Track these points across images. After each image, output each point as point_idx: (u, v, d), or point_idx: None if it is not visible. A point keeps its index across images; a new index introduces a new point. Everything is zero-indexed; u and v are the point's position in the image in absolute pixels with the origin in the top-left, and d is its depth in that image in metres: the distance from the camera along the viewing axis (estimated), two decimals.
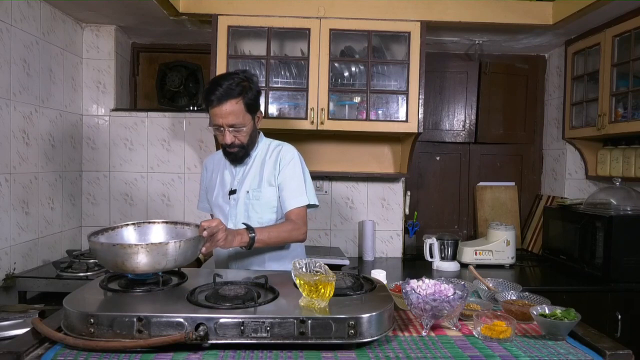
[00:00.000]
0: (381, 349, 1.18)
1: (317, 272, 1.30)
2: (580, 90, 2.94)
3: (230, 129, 1.79)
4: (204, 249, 1.52)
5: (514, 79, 3.32)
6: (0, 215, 2.19)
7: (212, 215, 2.10)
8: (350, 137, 2.97)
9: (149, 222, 1.57)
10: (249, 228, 1.69)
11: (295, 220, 1.84)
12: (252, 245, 1.69)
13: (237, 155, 1.86)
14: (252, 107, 1.82)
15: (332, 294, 1.24)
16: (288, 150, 1.93)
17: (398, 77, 2.73)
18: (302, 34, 2.65)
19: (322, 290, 1.23)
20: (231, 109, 1.75)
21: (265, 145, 1.96)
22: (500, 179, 3.35)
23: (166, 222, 1.58)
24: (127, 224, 1.55)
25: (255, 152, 1.93)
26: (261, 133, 1.98)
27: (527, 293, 1.55)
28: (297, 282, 1.29)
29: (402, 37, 2.69)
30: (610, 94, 2.59)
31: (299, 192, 1.87)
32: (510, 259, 2.80)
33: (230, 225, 1.88)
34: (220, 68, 2.61)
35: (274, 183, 1.88)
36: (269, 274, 1.46)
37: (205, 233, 1.48)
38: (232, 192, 1.91)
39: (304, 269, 1.32)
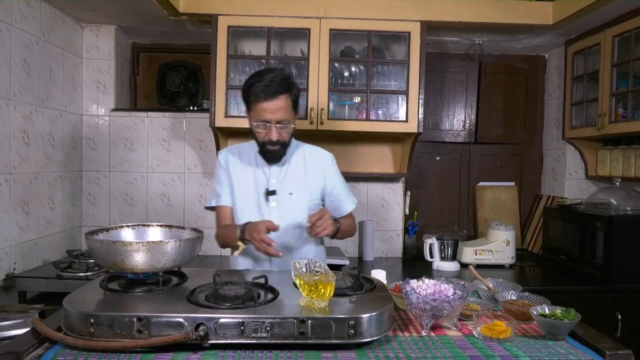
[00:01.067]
0: (381, 349, 1.18)
1: (317, 272, 1.30)
2: (580, 90, 2.94)
3: (278, 125, 1.73)
4: (323, 233, 1.68)
5: (514, 79, 3.32)
6: (0, 215, 2.19)
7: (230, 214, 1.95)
8: (351, 137, 2.97)
9: (144, 225, 1.58)
10: (334, 219, 1.77)
11: (353, 218, 2.00)
12: (336, 234, 1.78)
13: (278, 153, 1.81)
14: (296, 105, 1.80)
15: (332, 294, 1.24)
16: (328, 155, 1.97)
17: (398, 77, 2.73)
18: (302, 34, 2.65)
19: (322, 290, 1.23)
20: (282, 104, 1.71)
21: (297, 147, 1.93)
22: (500, 179, 3.35)
23: (161, 226, 1.59)
24: (122, 226, 1.55)
25: (290, 152, 1.89)
26: None
27: (527, 293, 1.55)
28: (297, 282, 1.29)
29: (402, 37, 2.69)
30: (610, 94, 2.59)
31: (350, 195, 1.99)
32: (510, 259, 2.80)
33: None
34: (220, 68, 2.61)
35: (319, 187, 1.90)
36: (269, 274, 1.46)
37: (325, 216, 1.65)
38: (271, 192, 1.85)
39: (304, 269, 1.32)
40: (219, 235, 1.92)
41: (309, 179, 1.89)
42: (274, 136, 1.74)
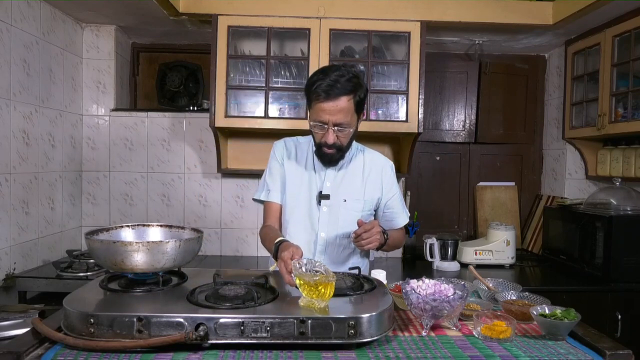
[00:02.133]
0: (381, 349, 1.18)
1: (317, 272, 1.30)
2: (580, 90, 2.94)
3: (335, 127, 1.64)
4: (368, 247, 1.60)
5: (514, 79, 3.32)
6: (0, 215, 2.19)
7: (279, 211, 1.86)
8: None
9: (144, 225, 1.58)
10: (383, 230, 1.67)
11: (403, 231, 1.93)
12: (382, 247, 1.68)
13: (334, 157, 1.72)
14: (360, 107, 1.68)
15: (332, 294, 1.24)
16: (388, 164, 1.88)
17: (398, 77, 2.74)
18: (302, 34, 2.65)
19: (322, 290, 1.23)
20: (342, 106, 1.60)
21: (358, 151, 1.86)
22: (500, 179, 3.35)
23: (161, 226, 1.59)
24: (122, 226, 1.55)
25: (350, 156, 1.81)
26: None
27: (527, 293, 1.55)
28: (297, 282, 1.29)
29: (402, 37, 2.70)
30: (610, 94, 2.59)
31: (405, 208, 1.91)
32: (510, 259, 2.80)
33: (321, 234, 1.79)
34: (220, 68, 2.61)
35: (375, 197, 1.83)
36: (269, 274, 1.46)
37: (373, 230, 1.56)
38: (324, 196, 1.77)
39: (303, 269, 1.32)
40: (262, 234, 1.81)
41: (366, 188, 1.81)
42: (330, 139, 1.65)
